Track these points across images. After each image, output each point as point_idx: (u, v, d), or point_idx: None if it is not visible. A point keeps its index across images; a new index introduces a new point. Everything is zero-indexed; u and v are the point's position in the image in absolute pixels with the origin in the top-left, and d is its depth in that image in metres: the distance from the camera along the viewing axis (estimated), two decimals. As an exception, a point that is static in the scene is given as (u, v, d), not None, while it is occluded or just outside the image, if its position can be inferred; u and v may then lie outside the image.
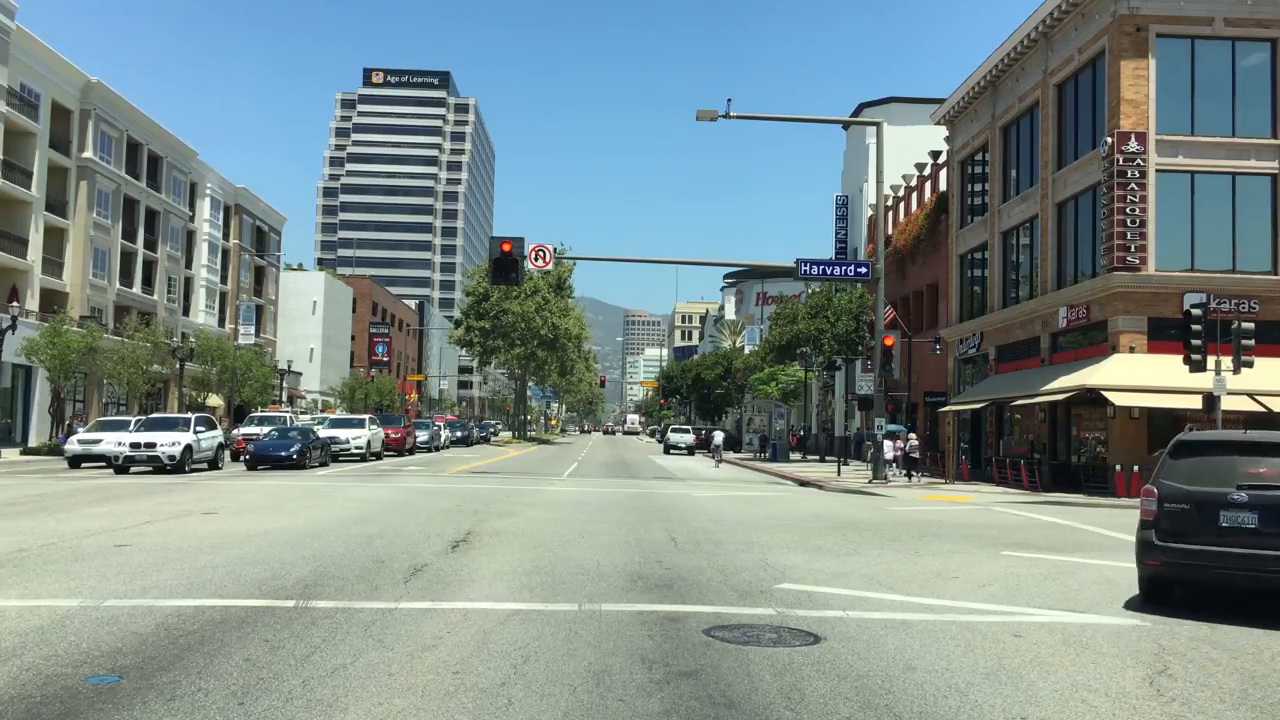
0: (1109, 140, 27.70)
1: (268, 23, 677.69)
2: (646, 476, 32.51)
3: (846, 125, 53.60)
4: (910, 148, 47.94)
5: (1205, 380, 24.00)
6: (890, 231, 49.82)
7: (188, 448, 28.17)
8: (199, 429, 29.51)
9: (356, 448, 36.18)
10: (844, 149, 64.41)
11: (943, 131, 44.17)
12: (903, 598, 9.46)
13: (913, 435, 34.26)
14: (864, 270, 29.89)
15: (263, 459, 30.20)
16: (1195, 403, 25.10)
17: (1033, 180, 33.56)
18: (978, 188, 39.12)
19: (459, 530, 14.18)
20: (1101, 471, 27.71)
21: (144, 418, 31.70)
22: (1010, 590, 10.10)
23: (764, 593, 9.52)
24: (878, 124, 29.90)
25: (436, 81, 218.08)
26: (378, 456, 38.45)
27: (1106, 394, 25.91)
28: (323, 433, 36.70)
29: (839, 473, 34.85)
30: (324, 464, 32.72)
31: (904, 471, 32.57)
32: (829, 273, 30.37)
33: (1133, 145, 27.37)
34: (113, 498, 19.01)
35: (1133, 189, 27.33)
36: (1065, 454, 30.88)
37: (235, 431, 35.62)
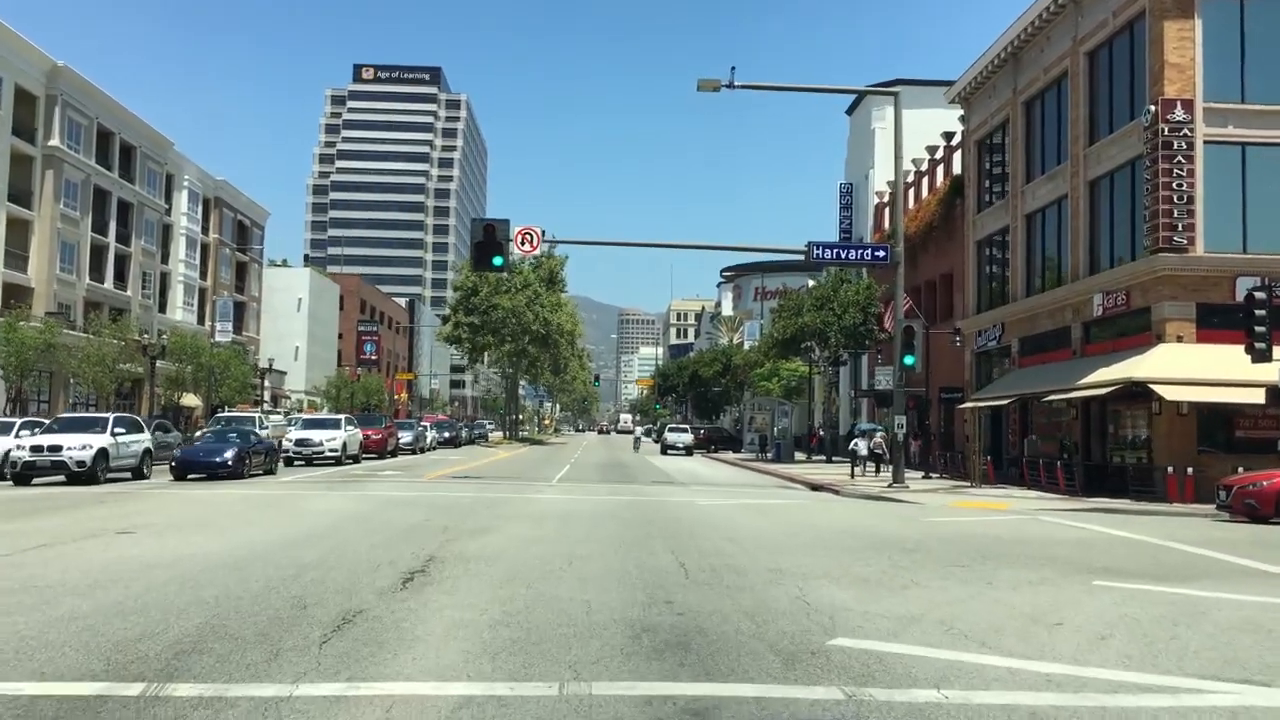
0: (1151, 109, 25.14)
1: (255, 18, 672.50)
2: (644, 481, 29.91)
3: (861, 95, 51.04)
4: (919, 133, 45.18)
5: (1269, 372, 21.43)
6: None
7: (101, 452, 23.97)
8: (118, 430, 25.35)
9: (331, 450, 33.36)
10: (847, 136, 61.92)
11: (955, 116, 41.66)
12: (1008, 661, 6.85)
13: (879, 434, 35.67)
14: (881, 254, 27.30)
15: (191, 467, 25.71)
16: (1253, 396, 22.62)
17: (1060, 158, 31.01)
18: (997, 169, 36.57)
19: (419, 555, 11.55)
20: (1146, 473, 25.15)
21: (62, 417, 28.44)
22: (1143, 645, 7.50)
23: (816, 654, 6.92)
24: (895, 92, 27.30)
25: (428, 77, 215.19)
26: (355, 459, 35.71)
27: (1155, 387, 23.38)
28: (295, 434, 34.05)
29: (852, 475, 32.31)
30: (269, 471, 28.31)
31: (875, 467, 34.17)
32: (844, 256, 27.78)
33: (1179, 113, 24.81)
34: (18, 514, 16.34)
35: (1179, 162, 24.77)
36: (1100, 454, 28.32)
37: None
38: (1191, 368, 23.72)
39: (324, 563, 10.82)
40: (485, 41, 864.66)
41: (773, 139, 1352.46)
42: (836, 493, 26.23)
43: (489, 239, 26.21)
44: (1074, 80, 29.94)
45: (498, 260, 26.43)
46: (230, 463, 25.61)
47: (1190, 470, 22.99)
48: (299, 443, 33.21)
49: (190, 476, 25.60)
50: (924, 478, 31.95)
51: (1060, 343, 30.46)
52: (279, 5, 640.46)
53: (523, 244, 26.91)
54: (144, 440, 26.68)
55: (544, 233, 27.17)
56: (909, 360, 26.49)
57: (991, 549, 13.16)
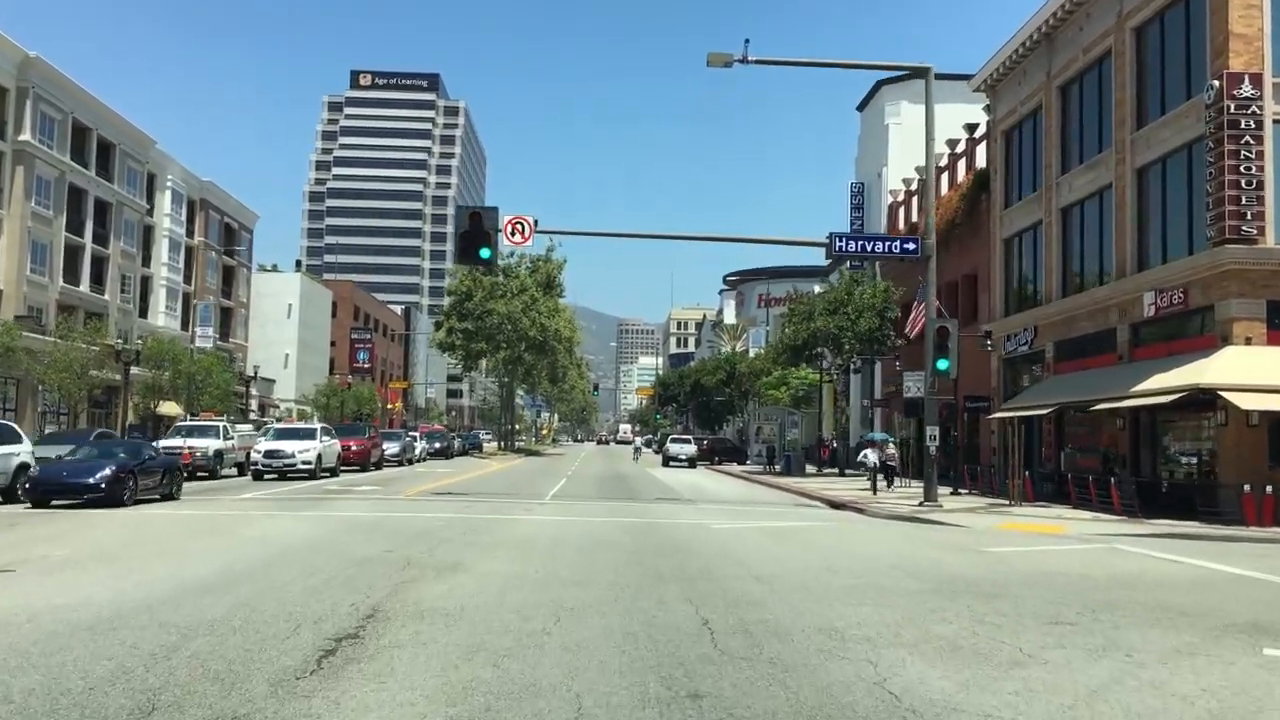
0: (1215, 85, 22.46)
1: (252, 23, 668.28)
2: (647, 497, 27.19)
3: (875, 88, 48.67)
4: (938, 128, 42.64)
5: (1362, 377, 18.77)
6: (916, 218, 44.65)
7: None
8: None
9: (304, 463, 30.30)
10: (858, 134, 59.37)
11: (971, 112, 39.15)
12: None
13: (891, 445, 35.12)
14: (911, 246, 24.61)
15: (52, 490, 20.13)
16: (1338, 405, 19.99)
17: (1102, 145, 28.35)
18: (1027, 161, 33.92)
19: (360, 607, 8.82)
20: (1211, 491, 22.41)
21: None
22: None
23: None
24: (927, 68, 24.71)
25: (426, 84, 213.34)
26: (332, 473, 32.79)
27: (1226, 395, 20.65)
28: (265, 444, 31.20)
29: (875, 490, 29.62)
30: (168, 495, 22.24)
31: (886, 481, 32.54)
32: (869, 249, 25.14)
33: (1246, 89, 22.12)
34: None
35: (1246, 143, 22.07)
36: (1150, 469, 25.58)
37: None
38: (1264, 373, 21.03)
39: (228, 621, 8.09)
40: (484, 46, 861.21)
41: (777, 142, 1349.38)
42: (861, 511, 23.51)
43: (475, 228, 23.59)
44: (1119, 60, 27.30)
45: (485, 252, 23.77)
46: (104, 485, 19.76)
47: (1270, 489, 20.26)
48: (269, 454, 30.31)
49: (55, 503, 20.07)
50: (953, 494, 29.21)
51: (1103, 346, 27.75)
52: (278, 7, 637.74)
53: (513, 235, 24.26)
54: (17, 453, 21.65)
55: (536, 223, 24.52)
56: (943, 364, 23.79)
57: (1092, 595, 10.41)
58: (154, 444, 25.49)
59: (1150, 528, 19.43)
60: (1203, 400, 21.87)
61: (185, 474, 29.23)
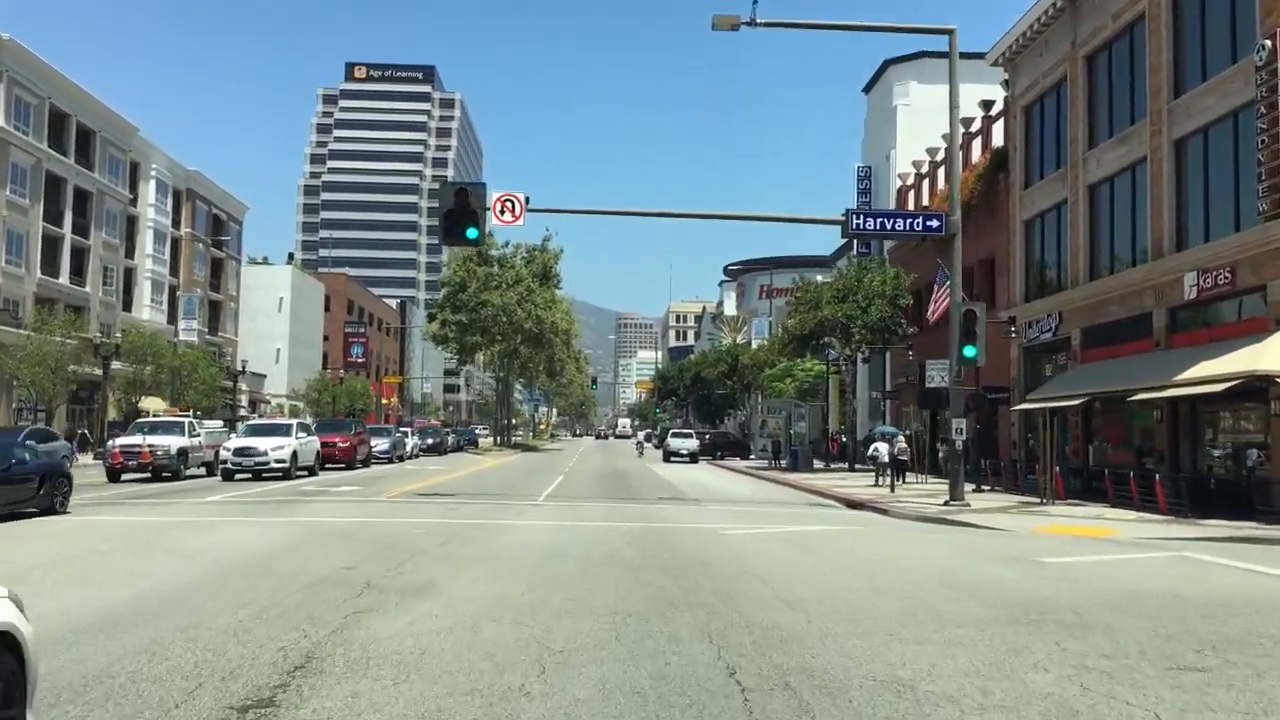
0: (1266, 44, 20.52)
1: (247, 17, 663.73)
2: (649, 497, 25.28)
3: (883, 68, 46.61)
4: (944, 110, 40.70)
5: None
6: (927, 202, 42.74)
7: None
8: None
9: (278, 461, 28.14)
10: (864, 117, 57.39)
11: (987, 90, 37.17)
12: None
13: (901, 439, 33.63)
14: (935, 223, 22.67)
15: None
16: None
17: (1134, 116, 26.42)
18: (1050, 137, 31.98)
19: (291, 652, 6.91)
20: (1266, 488, 20.52)
21: None
22: None
23: None
24: (951, 29, 22.75)
25: (421, 76, 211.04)
26: (310, 471, 30.64)
27: (1286, 383, 18.78)
28: (235, 442, 29.18)
29: (892, 488, 27.77)
30: (48, 508, 17.22)
31: (899, 476, 30.54)
32: (889, 226, 23.16)
33: (1301, 49, 20.21)
34: None
35: (1302, 107, 20.16)
36: (1191, 463, 23.69)
37: (112, 442, 28.08)
38: (1325, 359, 19.14)
39: (108, 678, 6.17)
40: (481, 39, 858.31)
41: (777, 138, 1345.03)
42: (884, 512, 21.62)
43: (461, 206, 21.62)
44: (1154, 23, 25.36)
45: (472, 232, 21.82)
46: None
47: (1338, 486, 18.38)
48: (239, 452, 28.12)
49: None
50: (975, 490, 27.34)
51: (1137, 332, 25.83)
52: (274, 2, 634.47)
53: (502, 213, 22.31)
54: None
55: (527, 200, 22.57)
56: (970, 351, 21.85)
57: (1200, 624, 8.50)
58: (34, 445, 21.26)
59: (1207, 529, 17.54)
60: (1253, 389, 20.03)
61: (148, 474, 27.44)
